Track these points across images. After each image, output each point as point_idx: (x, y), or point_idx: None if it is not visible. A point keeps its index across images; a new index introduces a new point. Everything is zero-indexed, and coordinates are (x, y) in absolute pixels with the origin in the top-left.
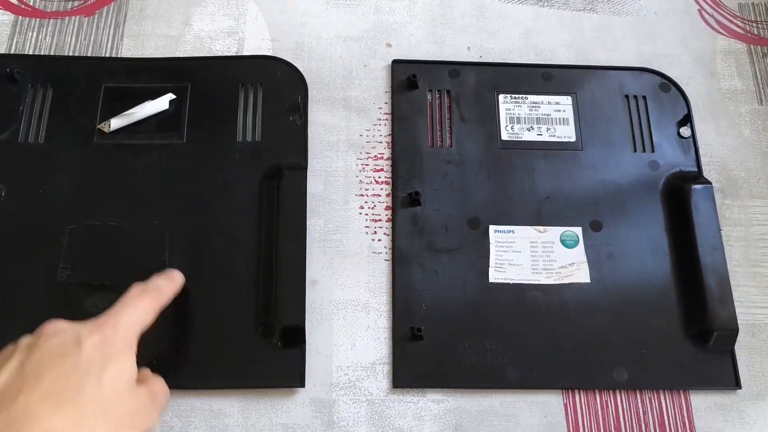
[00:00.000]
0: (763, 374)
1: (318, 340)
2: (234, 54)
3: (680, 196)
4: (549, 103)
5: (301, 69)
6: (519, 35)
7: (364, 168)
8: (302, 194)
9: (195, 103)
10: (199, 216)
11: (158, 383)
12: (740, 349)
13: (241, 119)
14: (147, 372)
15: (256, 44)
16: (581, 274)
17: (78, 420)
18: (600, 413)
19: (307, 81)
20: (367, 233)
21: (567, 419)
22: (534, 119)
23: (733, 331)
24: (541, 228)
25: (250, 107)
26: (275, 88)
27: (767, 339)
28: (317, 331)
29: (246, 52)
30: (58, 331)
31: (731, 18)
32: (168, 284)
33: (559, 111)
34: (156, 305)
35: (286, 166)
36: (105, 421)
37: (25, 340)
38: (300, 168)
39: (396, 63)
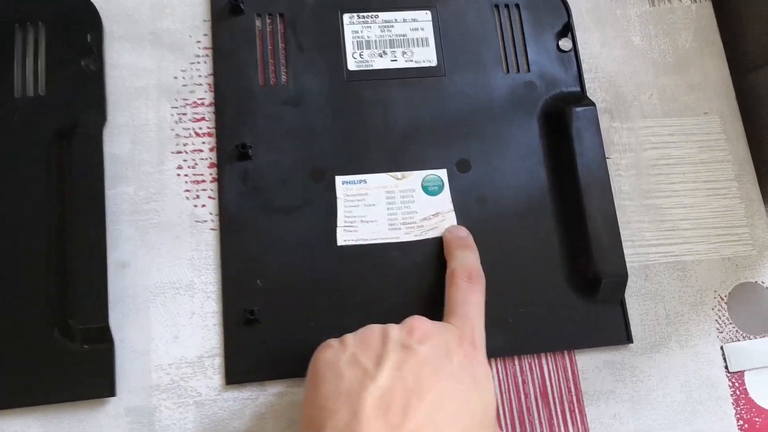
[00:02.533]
0: (657, 322)
1: (131, 335)
2: None
3: (561, 122)
4: (404, 20)
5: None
6: None
7: (181, 118)
8: (98, 157)
9: None
10: None
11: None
12: (632, 295)
13: (19, 69)
14: None
15: None
16: (448, 226)
17: None
18: None
19: (106, 14)
20: (188, 198)
21: None
22: (387, 42)
23: (622, 278)
24: (398, 174)
25: (30, 53)
26: (61, 25)
27: (662, 281)
28: (130, 325)
29: None
30: (429, 335)
31: None
32: (477, 258)
33: (416, 30)
34: (484, 292)
35: (79, 123)
36: None
37: (395, 334)
38: (95, 124)
39: None
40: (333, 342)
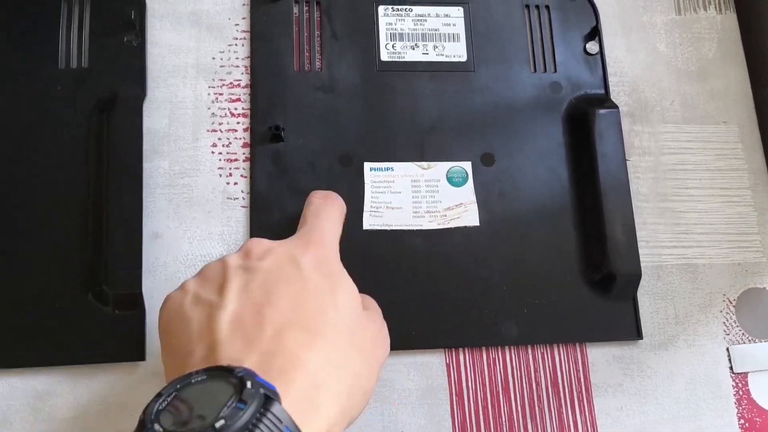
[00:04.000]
0: (667, 321)
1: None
2: None
3: (584, 123)
4: (437, 15)
5: None
6: None
7: (217, 98)
8: (137, 130)
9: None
10: (12, 161)
11: (372, 301)
12: (644, 294)
13: (64, 41)
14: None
15: None
16: (469, 217)
17: (330, 355)
18: (486, 372)
19: None
20: (221, 176)
21: (450, 381)
22: (419, 35)
23: (635, 277)
24: (424, 164)
25: (74, 26)
26: (105, 0)
27: (673, 282)
28: (161, 293)
29: None
30: (268, 250)
31: None
32: (340, 199)
33: (448, 25)
34: (342, 213)
35: (119, 97)
36: (355, 354)
37: (233, 260)
38: (135, 99)
39: None
40: (173, 292)
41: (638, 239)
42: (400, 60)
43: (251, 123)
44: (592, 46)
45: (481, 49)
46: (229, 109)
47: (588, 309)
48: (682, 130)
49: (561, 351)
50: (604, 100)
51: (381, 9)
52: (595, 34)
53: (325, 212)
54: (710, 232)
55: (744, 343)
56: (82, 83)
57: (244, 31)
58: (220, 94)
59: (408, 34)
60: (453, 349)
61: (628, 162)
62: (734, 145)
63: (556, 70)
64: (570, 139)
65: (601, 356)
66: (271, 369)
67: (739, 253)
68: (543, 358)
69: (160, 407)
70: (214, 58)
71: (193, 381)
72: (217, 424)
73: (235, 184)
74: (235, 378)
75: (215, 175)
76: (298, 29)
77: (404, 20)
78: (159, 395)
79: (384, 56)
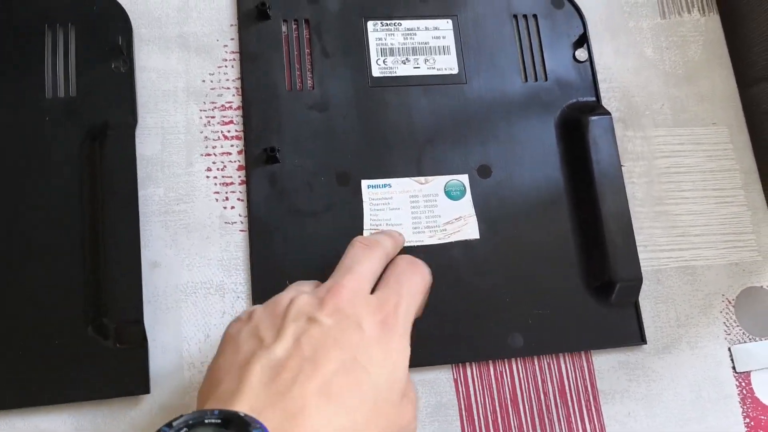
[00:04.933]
0: (669, 324)
1: (164, 333)
2: None
3: (577, 131)
4: (426, 29)
5: (124, 2)
6: None
7: (209, 121)
8: (130, 158)
9: None
10: (3, 195)
11: (413, 388)
12: (645, 298)
13: (50, 70)
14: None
15: None
16: (469, 230)
17: (347, 428)
18: (495, 385)
19: (133, 16)
20: (217, 200)
21: (458, 396)
22: (410, 49)
23: (637, 282)
24: (422, 179)
25: (60, 54)
26: (91, 27)
27: (673, 285)
28: (162, 324)
29: None
30: (340, 307)
31: None
32: (390, 239)
33: (438, 38)
34: (427, 284)
35: (110, 125)
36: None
37: (303, 305)
38: (127, 126)
39: None
40: (243, 314)
41: (637, 244)
42: (392, 75)
43: (245, 145)
44: (581, 54)
45: (472, 60)
46: (222, 131)
47: (591, 316)
48: (674, 133)
49: (567, 360)
50: (595, 106)
51: (370, 24)
52: (583, 41)
53: (408, 279)
54: (706, 233)
55: (745, 342)
56: (71, 113)
57: (233, 52)
58: (212, 117)
59: (398, 48)
60: (460, 364)
61: (622, 167)
62: (725, 146)
63: (546, 79)
64: (564, 146)
65: (606, 363)
66: (284, 425)
67: (736, 253)
68: (549, 368)
69: None
70: (204, 81)
71: (206, 421)
72: None
73: (232, 208)
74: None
75: (211, 200)
76: (288, 48)
77: (394, 35)
78: (170, 425)
79: (375, 72)
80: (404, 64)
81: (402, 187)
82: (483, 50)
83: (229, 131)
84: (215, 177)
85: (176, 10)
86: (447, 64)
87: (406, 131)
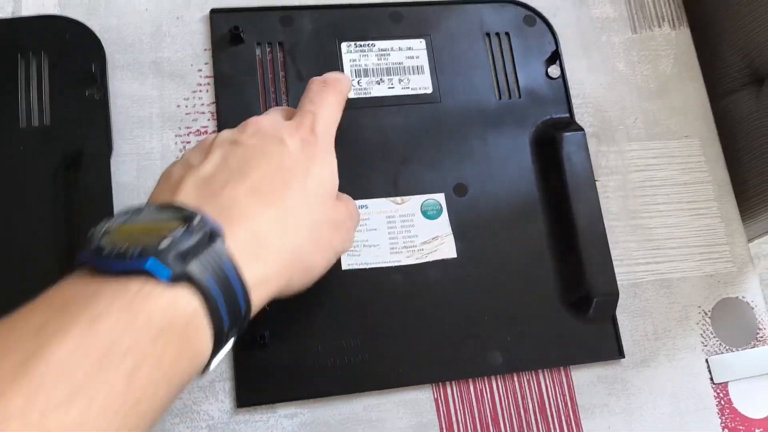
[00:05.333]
0: (646, 337)
1: None
2: (9, 15)
3: (551, 147)
4: (400, 49)
5: (96, 28)
6: None
7: (185, 146)
8: (106, 187)
9: None
10: None
11: (352, 203)
12: (622, 312)
13: (24, 99)
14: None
15: (37, 0)
16: (446, 249)
17: (282, 220)
18: (475, 404)
19: (106, 43)
20: None
21: (439, 416)
22: (384, 70)
23: (613, 297)
24: (398, 199)
25: (33, 83)
26: (64, 55)
27: (649, 298)
28: None
29: (25, 12)
30: (261, 128)
31: None
32: (344, 77)
33: (412, 58)
34: (342, 97)
35: (85, 153)
36: (307, 227)
37: (225, 134)
38: (102, 154)
39: (215, 12)
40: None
41: (612, 258)
42: (367, 96)
43: None
44: (554, 70)
45: (446, 79)
46: None
47: (570, 332)
48: (647, 147)
49: (546, 376)
50: (569, 123)
51: (344, 46)
52: (555, 58)
53: (321, 98)
54: (681, 245)
55: (721, 353)
56: (46, 141)
57: (207, 77)
58: (188, 142)
59: (372, 69)
60: (440, 384)
61: (597, 182)
62: (697, 158)
63: (520, 96)
64: (539, 163)
65: (585, 378)
66: (220, 216)
67: (710, 264)
68: (529, 384)
69: (110, 227)
70: (179, 106)
71: (144, 210)
72: (162, 244)
73: None
74: (186, 212)
75: None
76: (262, 71)
77: (368, 56)
78: (109, 217)
79: (351, 93)
80: (379, 84)
81: (378, 208)
82: (457, 69)
83: None
84: None
85: (150, 35)
86: (421, 84)
87: (382, 151)
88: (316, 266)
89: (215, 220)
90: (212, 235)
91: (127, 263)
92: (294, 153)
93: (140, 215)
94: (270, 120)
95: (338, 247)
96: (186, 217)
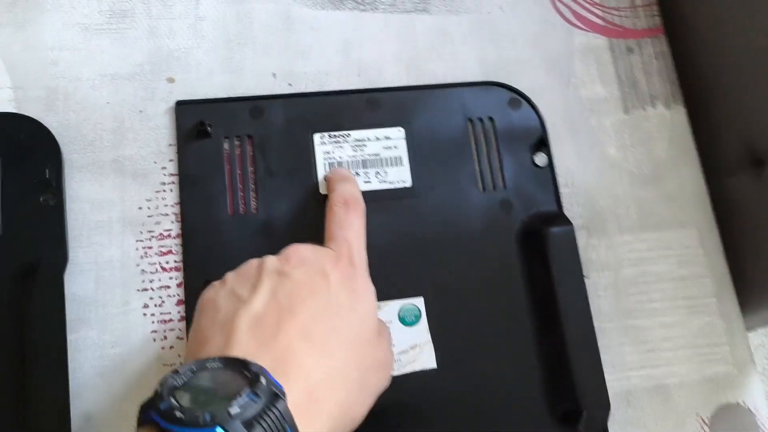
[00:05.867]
0: None
1: None
2: None
3: (537, 244)
4: (377, 138)
5: (54, 125)
6: (336, 51)
7: (146, 252)
8: (58, 302)
9: None
10: None
11: (386, 326)
12: (614, 423)
13: None
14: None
15: None
16: (425, 358)
17: (333, 374)
18: None
19: (65, 141)
20: (155, 340)
21: None
22: (359, 162)
23: (604, 410)
24: None
25: None
26: (18, 157)
27: (644, 407)
28: None
29: None
30: (304, 259)
31: (589, 6)
32: (355, 186)
33: (389, 148)
34: (363, 219)
35: (38, 265)
36: (356, 379)
37: (270, 263)
38: (55, 266)
39: (180, 105)
40: (215, 282)
41: (603, 363)
42: None
43: (185, 277)
44: (541, 159)
45: (426, 170)
46: (159, 263)
47: None
48: (640, 239)
49: None
50: (557, 216)
51: (317, 137)
52: (542, 144)
53: (349, 223)
54: (678, 347)
55: None
56: None
57: (172, 175)
58: (150, 248)
59: (347, 162)
60: None
61: (586, 279)
62: (695, 250)
63: (505, 187)
64: (525, 261)
65: None
66: (277, 372)
67: (710, 367)
68: None
69: (176, 384)
70: (140, 208)
71: (208, 366)
72: (232, 410)
73: (171, 348)
74: (249, 372)
75: (149, 340)
76: (230, 168)
77: (342, 147)
78: (176, 372)
79: (323, 189)
80: None
81: None
82: (437, 158)
83: (167, 262)
84: (153, 314)
85: (111, 132)
86: (399, 177)
87: None
88: (360, 414)
89: (277, 380)
90: (276, 396)
91: (197, 429)
92: (337, 289)
93: (205, 371)
94: (311, 249)
95: (381, 385)
96: (252, 377)
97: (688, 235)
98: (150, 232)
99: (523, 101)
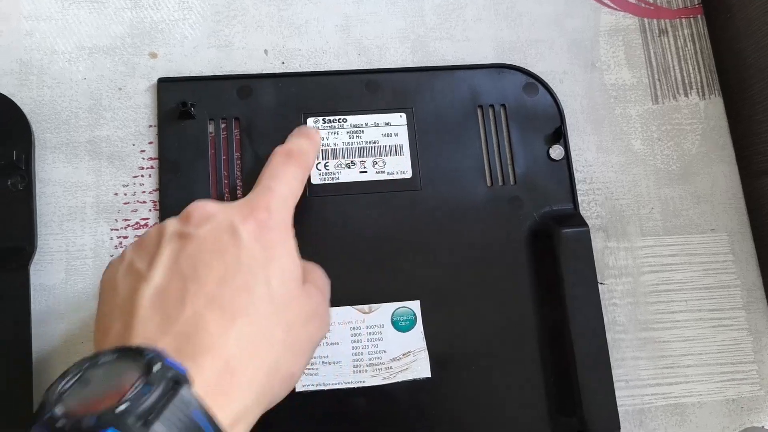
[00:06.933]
0: None
1: None
2: None
3: (549, 246)
4: (376, 124)
5: (27, 102)
6: (335, 27)
7: (121, 242)
8: (24, 292)
9: None
10: None
11: (317, 272)
12: None
13: None
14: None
15: None
16: (419, 367)
17: (251, 337)
18: None
19: (37, 119)
20: None
21: None
22: (356, 150)
23: (613, 431)
24: (365, 307)
25: None
26: None
27: (658, 428)
28: None
29: None
30: (208, 215)
31: None
32: (311, 145)
33: (389, 135)
34: (305, 171)
35: (4, 254)
36: (280, 337)
37: (171, 226)
38: (22, 255)
39: (163, 82)
40: (114, 259)
41: (616, 378)
42: (334, 182)
43: None
44: (557, 152)
45: (429, 161)
46: None
47: None
48: (664, 243)
49: None
50: (571, 215)
51: (310, 121)
52: (559, 135)
53: (283, 173)
54: (700, 363)
55: None
56: None
57: (151, 159)
58: (125, 237)
59: (342, 149)
60: None
61: (602, 286)
62: (724, 256)
63: (515, 182)
64: (534, 264)
65: None
66: (185, 351)
67: (734, 387)
68: None
69: (64, 388)
70: (116, 194)
71: (100, 362)
72: (119, 408)
73: None
74: (143, 359)
75: None
76: (215, 153)
77: (338, 133)
78: (64, 374)
79: (315, 178)
80: (349, 168)
81: (342, 318)
82: (442, 149)
83: None
84: None
85: (87, 110)
86: (399, 167)
87: (349, 249)
88: (296, 371)
89: (178, 362)
90: (177, 382)
91: None
92: (249, 244)
93: (96, 369)
94: (217, 204)
95: (316, 337)
96: (144, 366)
97: (717, 240)
98: (126, 220)
99: (540, 87)
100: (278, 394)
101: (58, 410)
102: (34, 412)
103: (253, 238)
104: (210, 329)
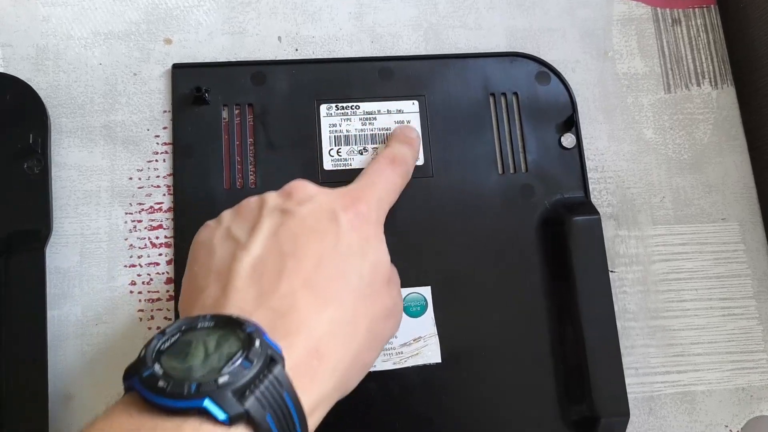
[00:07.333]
0: None
1: None
2: None
3: (560, 233)
4: (389, 111)
5: (44, 86)
6: (349, 15)
7: (136, 226)
8: (39, 276)
9: None
10: None
11: (397, 274)
12: None
13: None
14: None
15: None
16: (429, 352)
17: (340, 323)
18: None
19: (53, 104)
20: (141, 320)
21: None
22: (368, 137)
23: (622, 418)
24: None
25: None
26: (1, 119)
27: (667, 415)
28: None
29: None
30: (309, 196)
31: None
32: (412, 155)
33: (402, 122)
34: (405, 180)
35: (18, 236)
36: (365, 327)
37: (272, 200)
38: (36, 238)
39: (177, 68)
40: (210, 222)
41: (626, 366)
42: (346, 168)
43: (176, 254)
44: (568, 140)
45: (441, 149)
46: (149, 238)
47: None
48: (675, 232)
49: None
50: (582, 203)
51: (323, 108)
52: (571, 124)
53: (385, 175)
54: (709, 352)
55: None
56: None
57: (165, 144)
58: (139, 221)
59: (355, 136)
60: None
61: (612, 273)
62: (735, 246)
63: (527, 170)
64: (545, 252)
65: None
66: (278, 328)
67: (743, 376)
68: None
69: (162, 347)
70: (131, 179)
71: (199, 326)
72: (221, 380)
73: (158, 328)
74: (243, 333)
75: (135, 319)
76: (228, 138)
77: (350, 120)
78: (163, 333)
79: (327, 164)
80: (361, 154)
81: None
82: (454, 136)
83: (157, 237)
84: (140, 292)
85: (102, 95)
86: None
87: None
88: (370, 363)
89: (274, 341)
90: (273, 360)
91: (182, 401)
92: (348, 233)
93: (195, 332)
94: (318, 188)
95: (390, 334)
96: (245, 340)
97: (728, 229)
98: (140, 204)
99: (553, 75)
100: (353, 384)
101: (158, 369)
102: (130, 365)
103: (351, 228)
104: (303, 310)
